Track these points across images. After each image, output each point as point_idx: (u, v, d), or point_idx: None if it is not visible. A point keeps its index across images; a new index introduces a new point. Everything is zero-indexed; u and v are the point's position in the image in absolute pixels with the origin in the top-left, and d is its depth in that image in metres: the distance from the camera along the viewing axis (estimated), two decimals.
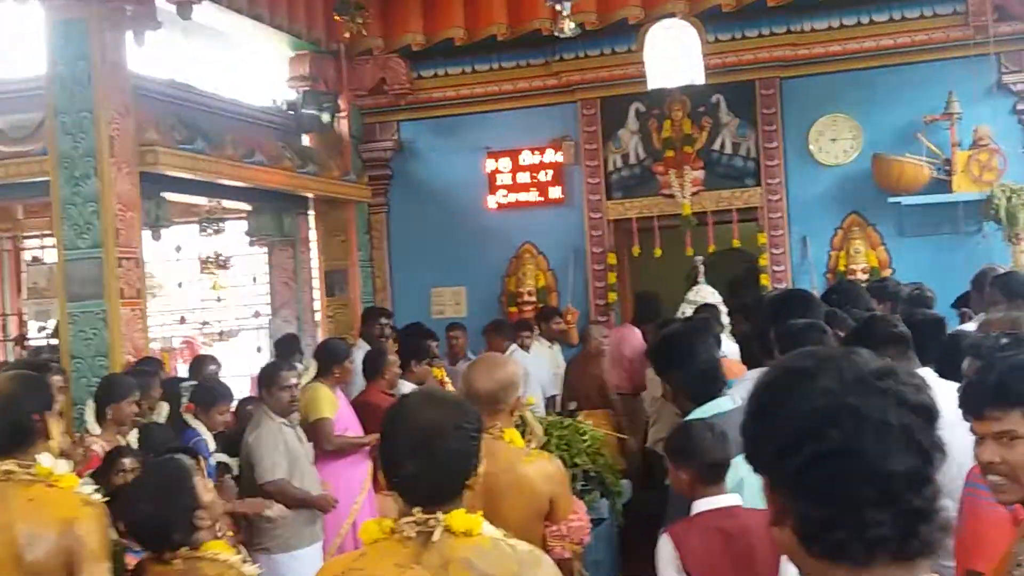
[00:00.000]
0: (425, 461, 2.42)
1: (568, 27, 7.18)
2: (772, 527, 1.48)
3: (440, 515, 2.41)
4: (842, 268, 9.85)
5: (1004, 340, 3.30)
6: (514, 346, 9.13)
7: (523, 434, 4.02)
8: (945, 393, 3.71)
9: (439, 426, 2.46)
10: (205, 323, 11.52)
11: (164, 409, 6.31)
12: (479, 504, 3.44)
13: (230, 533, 5.29)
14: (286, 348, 8.22)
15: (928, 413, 1.45)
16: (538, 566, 2.46)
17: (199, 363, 7.87)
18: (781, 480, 1.45)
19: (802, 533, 1.44)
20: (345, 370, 6.68)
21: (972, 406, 2.56)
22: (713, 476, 3.45)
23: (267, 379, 6.04)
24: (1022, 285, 5.72)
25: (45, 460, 3.34)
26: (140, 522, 3.31)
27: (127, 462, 4.71)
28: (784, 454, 1.43)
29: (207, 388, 6.47)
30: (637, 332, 9.56)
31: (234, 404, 6.70)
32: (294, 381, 5.99)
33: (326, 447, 6.34)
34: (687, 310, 9.34)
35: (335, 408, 6.46)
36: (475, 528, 2.43)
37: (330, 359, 6.66)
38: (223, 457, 6.01)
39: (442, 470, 2.44)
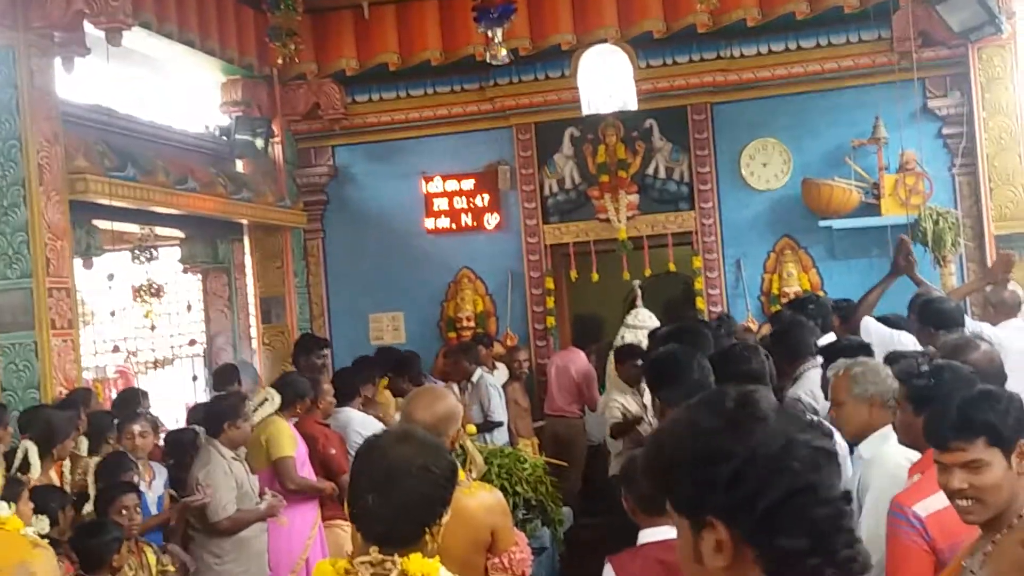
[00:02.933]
0: (385, 498, 2.37)
1: (500, 54, 7.22)
2: (694, 564, 1.52)
3: (396, 557, 2.35)
4: (775, 291, 9.98)
5: (923, 368, 3.47)
6: (480, 370, 8.89)
7: (464, 463, 4.01)
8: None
9: (405, 465, 2.41)
10: (139, 351, 11.34)
11: (83, 444, 6.15)
12: None
13: (171, 569, 5.24)
14: (224, 378, 8.11)
15: (826, 431, 1.60)
16: None
17: (127, 396, 7.66)
18: (746, 520, 1.47)
19: (775, 566, 1.47)
20: (305, 406, 6.61)
21: (937, 440, 2.67)
22: (657, 507, 3.45)
23: (232, 412, 5.97)
24: (937, 314, 5.80)
25: None
26: None
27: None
28: (756, 495, 1.46)
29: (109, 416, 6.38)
30: (582, 354, 9.63)
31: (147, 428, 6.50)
32: (251, 415, 5.95)
33: (289, 486, 6.26)
34: (626, 334, 9.42)
35: (295, 445, 6.38)
36: (432, 574, 2.38)
37: (294, 394, 6.56)
38: (170, 491, 5.94)
39: (402, 510, 2.38)
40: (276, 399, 6.39)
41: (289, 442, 6.35)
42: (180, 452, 6.62)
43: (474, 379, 8.69)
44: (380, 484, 2.39)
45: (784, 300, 9.52)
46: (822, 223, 9.76)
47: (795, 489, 1.47)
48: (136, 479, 5.63)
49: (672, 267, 10.41)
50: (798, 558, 1.47)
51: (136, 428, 6.06)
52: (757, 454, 1.48)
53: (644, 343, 7.96)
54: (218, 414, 6.09)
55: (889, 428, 3.77)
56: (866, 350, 4.87)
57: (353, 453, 6.16)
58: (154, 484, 5.96)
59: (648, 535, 3.45)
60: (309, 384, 6.76)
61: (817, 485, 1.48)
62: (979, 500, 2.58)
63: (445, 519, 2.46)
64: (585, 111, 10.15)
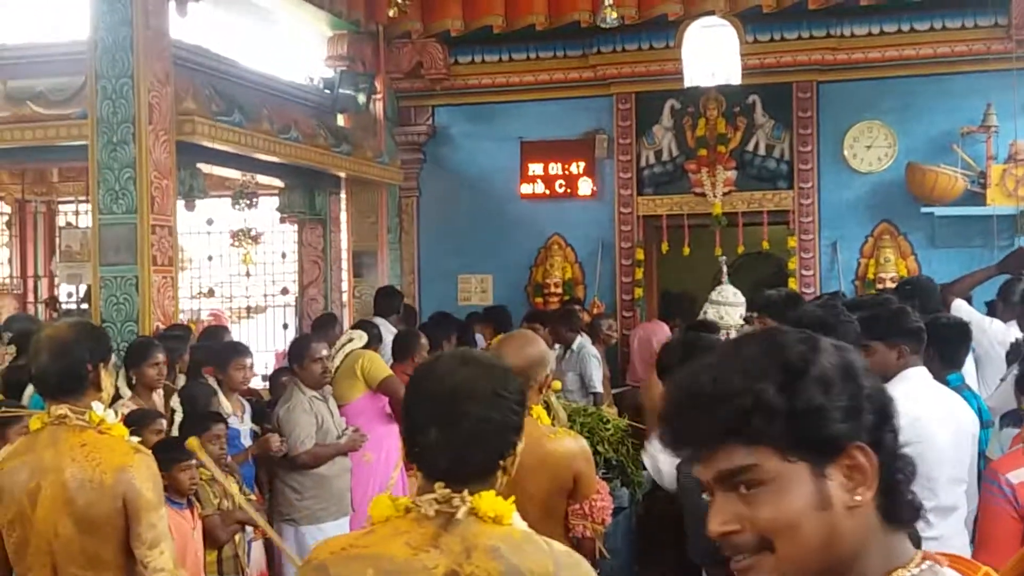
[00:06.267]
0: (452, 428, 2.09)
1: (610, 17, 7.16)
2: (818, 513, 1.35)
3: (466, 494, 2.08)
4: (871, 276, 9.82)
5: None
6: (580, 338, 8.73)
7: (548, 417, 4.03)
8: (936, 392, 3.80)
9: (472, 389, 2.12)
10: (232, 297, 11.58)
11: (180, 380, 6.31)
12: None
13: (253, 497, 5.36)
14: (324, 326, 8.23)
15: None
16: (577, 568, 2.14)
17: (210, 332, 7.84)
18: (888, 442, 1.38)
19: (890, 502, 1.38)
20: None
21: None
22: None
23: (297, 352, 6.08)
24: None
25: (98, 408, 3.37)
26: None
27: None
28: (883, 422, 1.39)
29: (222, 347, 6.49)
30: (666, 328, 9.59)
31: (251, 363, 6.64)
32: (325, 353, 6.03)
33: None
34: (709, 310, 9.33)
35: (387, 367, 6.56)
36: (506, 515, 2.12)
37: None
38: (255, 427, 6.06)
39: (471, 440, 2.10)
40: (363, 337, 6.50)
41: (384, 366, 6.49)
42: (276, 392, 6.76)
43: (574, 347, 8.61)
44: (444, 413, 2.10)
45: (880, 286, 9.37)
46: (924, 210, 9.55)
47: (897, 421, 1.41)
48: (228, 411, 5.76)
49: (766, 245, 10.29)
50: (904, 488, 1.40)
51: (248, 361, 6.18)
52: (876, 385, 1.40)
53: (726, 319, 7.88)
54: (287, 354, 6.26)
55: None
56: (963, 329, 4.78)
57: None
58: (245, 418, 6.08)
59: None
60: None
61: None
62: None
63: (520, 447, 2.18)
64: (687, 83, 10.07)
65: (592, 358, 8.53)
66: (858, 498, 1.35)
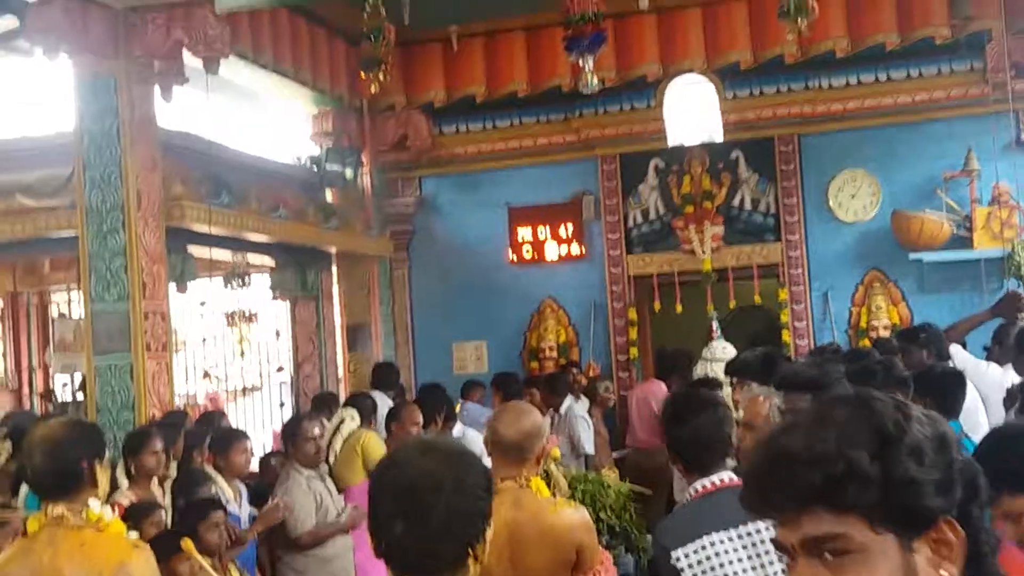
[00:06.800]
0: (418, 521, 2.04)
1: (591, 82, 7.24)
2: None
3: None
4: (863, 325, 9.84)
5: None
6: (568, 400, 8.74)
7: (549, 487, 4.02)
8: None
9: (435, 479, 2.06)
10: (228, 378, 11.56)
11: (173, 467, 6.26)
12: (506, 554, 3.47)
13: None
14: (322, 404, 8.22)
15: None
16: None
17: (208, 419, 7.83)
18: (966, 523, 1.38)
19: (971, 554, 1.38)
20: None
21: None
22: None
23: (290, 433, 6.08)
24: None
25: (95, 506, 3.36)
26: None
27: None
28: (972, 496, 1.40)
29: (222, 433, 6.48)
30: (663, 386, 9.56)
31: (251, 447, 6.65)
32: (317, 432, 6.01)
33: None
34: (699, 368, 9.34)
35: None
36: None
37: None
38: (254, 510, 6.02)
39: (438, 532, 2.04)
40: (356, 416, 6.48)
41: (381, 448, 6.44)
42: (267, 474, 6.73)
43: (562, 410, 8.62)
44: (409, 507, 2.04)
45: (873, 334, 9.40)
46: (912, 256, 9.60)
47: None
48: (224, 498, 5.72)
49: (758, 299, 10.32)
50: (991, 563, 1.40)
51: (249, 445, 6.16)
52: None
53: (719, 376, 7.88)
54: (281, 435, 6.23)
55: None
56: (959, 378, 4.79)
57: None
58: (243, 502, 6.05)
59: None
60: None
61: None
62: None
63: (489, 534, 2.13)
64: (670, 142, 10.18)
65: (580, 419, 8.51)
66: (944, 573, 1.34)
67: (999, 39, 9.32)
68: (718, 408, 3.44)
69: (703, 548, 3.12)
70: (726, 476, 3.29)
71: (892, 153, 9.98)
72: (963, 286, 9.51)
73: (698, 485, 3.30)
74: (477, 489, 2.11)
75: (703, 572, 3.09)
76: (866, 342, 9.11)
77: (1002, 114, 9.02)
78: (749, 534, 3.12)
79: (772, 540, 1.42)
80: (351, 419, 6.50)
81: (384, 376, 9.06)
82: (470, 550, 2.09)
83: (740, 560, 3.10)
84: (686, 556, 3.12)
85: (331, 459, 6.37)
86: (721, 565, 3.09)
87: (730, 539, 3.12)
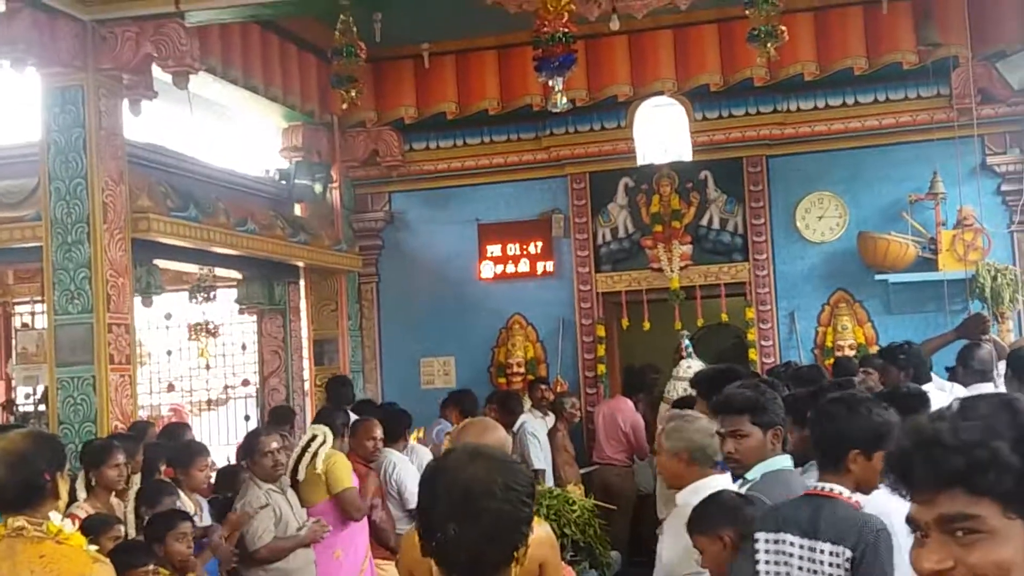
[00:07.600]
0: (470, 524, 2.15)
1: (560, 102, 7.27)
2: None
3: None
4: (829, 344, 9.91)
5: None
6: (522, 418, 8.80)
7: None
8: None
9: (486, 485, 2.18)
10: (193, 391, 11.49)
11: (136, 479, 6.20)
12: None
13: None
14: (280, 418, 8.17)
15: None
16: None
17: (171, 431, 7.76)
18: None
19: None
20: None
21: None
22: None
23: (248, 447, 6.05)
24: None
25: (55, 518, 3.32)
26: None
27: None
28: None
29: (183, 447, 6.43)
30: (629, 403, 9.61)
31: (212, 462, 6.62)
32: (275, 446, 5.96)
33: (356, 516, 6.31)
34: (676, 386, 9.36)
35: (352, 477, 6.42)
36: None
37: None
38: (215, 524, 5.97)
39: (488, 535, 2.16)
40: (329, 435, 6.41)
41: (349, 474, 6.38)
42: (226, 486, 6.67)
43: (515, 428, 8.62)
44: (460, 510, 2.16)
45: (839, 353, 9.46)
46: (878, 277, 9.70)
47: None
48: (190, 510, 5.68)
49: (725, 318, 10.37)
50: None
51: (210, 460, 6.12)
52: None
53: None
54: (243, 449, 6.21)
55: (699, 482, 3.94)
56: (923, 399, 4.81)
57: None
58: (204, 516, 6.00)
59: None
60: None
61: None
62: None
63: (532, 538, 2.26)
64: (640, 162, 10.23)
65: (530, 436, 8.53)
66: None
67: (965, 65, 9.44)
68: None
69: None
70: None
71: (859, 175, 10.08)
72: (928, 307, 9.60)
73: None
74: (524, 495, 2.24)
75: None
76: (830, 362, 9.17)
77: (967, 139, 9.12)
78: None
79: (907, 518, 1.56)
80: (322, 435, 6.41)
81: (337, 392, 9.04)
82: (514, 553, 2.21)
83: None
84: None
85: (300, 475, 6.28)
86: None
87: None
